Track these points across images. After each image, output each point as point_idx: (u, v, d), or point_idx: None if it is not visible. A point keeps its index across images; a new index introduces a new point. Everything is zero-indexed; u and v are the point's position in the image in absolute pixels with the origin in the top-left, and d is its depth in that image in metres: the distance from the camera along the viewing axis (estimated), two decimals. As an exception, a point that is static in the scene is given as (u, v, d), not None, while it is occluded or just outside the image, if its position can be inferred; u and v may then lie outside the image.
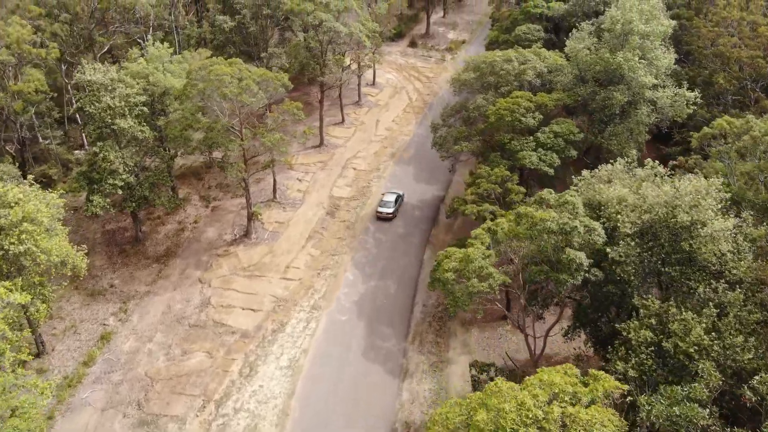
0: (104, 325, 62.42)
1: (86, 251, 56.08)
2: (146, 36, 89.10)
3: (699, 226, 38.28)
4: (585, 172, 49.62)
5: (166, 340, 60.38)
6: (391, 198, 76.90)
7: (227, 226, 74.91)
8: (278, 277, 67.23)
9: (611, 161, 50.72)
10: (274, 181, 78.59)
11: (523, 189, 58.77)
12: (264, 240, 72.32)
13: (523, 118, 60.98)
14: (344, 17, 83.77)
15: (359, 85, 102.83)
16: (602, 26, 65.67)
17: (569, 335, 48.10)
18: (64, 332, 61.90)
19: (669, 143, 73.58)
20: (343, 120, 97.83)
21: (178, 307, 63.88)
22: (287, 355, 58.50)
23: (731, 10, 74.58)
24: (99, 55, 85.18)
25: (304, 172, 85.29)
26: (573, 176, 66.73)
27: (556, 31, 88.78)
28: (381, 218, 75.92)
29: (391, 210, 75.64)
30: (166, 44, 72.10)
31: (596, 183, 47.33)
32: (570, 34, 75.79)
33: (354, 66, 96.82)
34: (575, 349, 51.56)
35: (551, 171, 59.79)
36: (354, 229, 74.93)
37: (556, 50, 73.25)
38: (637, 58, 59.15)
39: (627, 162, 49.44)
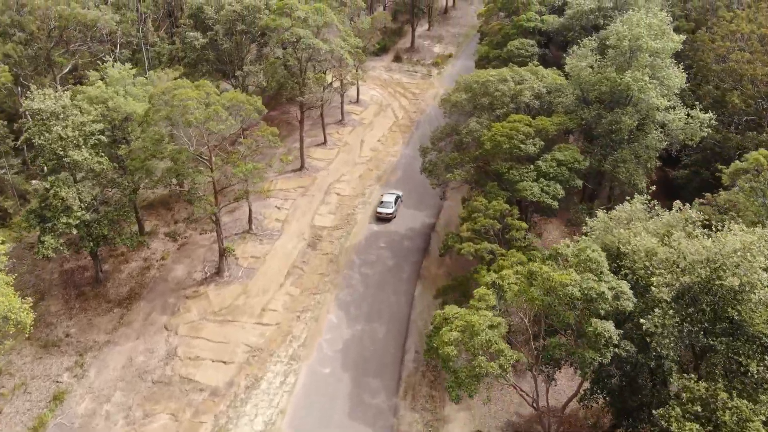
0: (57, 382, 54.16)
1: (31, 303, 47.93)
2: (112, 54, 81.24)
3: (748, 290, 31.14)
4: (600, 214, 42.24)
5: (125, 400, 52.24)
6: (391, 198, 74.55)
7: (197, 262, 66.86)
8: (253, 322, 59.21)
9: (627, 198, 43.44)
10: (250, 210, 70.60)
11: (524, 225, 51.41)
12: (238, 278, 64.35)
13: (522, 145, 53.66)
14: (324, 33, 76.29)
15: (342, 103, 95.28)
16: (606, 42, 58.75)
17: (586, 402, 40.66)
18: (13, 391, 53.67)
19: (677, 166, 66.68)
20: (325, 140, 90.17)
21: (140, 360, 55.74)
22: (262, 416, 50.51)
23: (740, 22, 67.87)
24: (60, 76, 77.01)
25: (283, 199, 77.47)
26: (578, 206, 59.97)
27: (551, 46, 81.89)
28: (381, 218, 73.44)
29: (390, 210, 73.20)
30: (128, 65, 64.12)
31: (615, 227, 40.01)
32: (567, 49, 68.94)
33: (336, 83, 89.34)
34: (591, 417, 44.18)
35: (555, 204, 52.51)
36: (338, 263, 67.17)
37: (554, 68, 66.09)
38: (647, 78, 52.09)
39: (646, 199, 42.20)
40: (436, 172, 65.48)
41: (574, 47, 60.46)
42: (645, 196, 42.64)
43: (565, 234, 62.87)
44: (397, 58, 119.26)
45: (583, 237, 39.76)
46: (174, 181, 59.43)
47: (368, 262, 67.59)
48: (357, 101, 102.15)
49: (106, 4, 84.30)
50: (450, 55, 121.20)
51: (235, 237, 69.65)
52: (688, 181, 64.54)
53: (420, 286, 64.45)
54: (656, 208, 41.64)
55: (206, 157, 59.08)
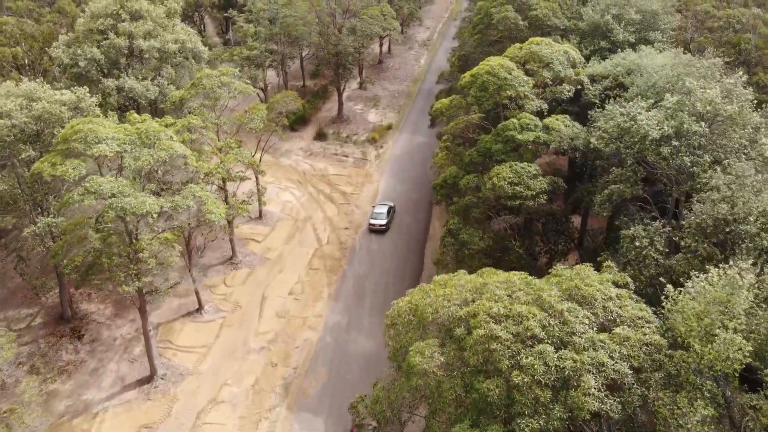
0: None
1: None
2: None
3: None
4: None
5: None
6: (383, 210, 63.45)
7: None
8: None
9: None
10: None
11: None
12: None
13: None
14: (174, 167, 38.77)
15: (231, 233, 57.64)
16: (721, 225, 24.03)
17: None
18: None
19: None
20: (200, 307, 52.29)
21: None
22: None
23: None
24: None
25: (107, 468, 39.60)
26: None
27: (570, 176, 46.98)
28: (373, 230, 62.49)
29: (383, 221, 62.36)
30: None
31: None
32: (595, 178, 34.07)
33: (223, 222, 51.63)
34: None
35: None
36: None
37: (609, 263, 30.42)
38: None
39: None
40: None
41: (690, 280, 24.30)
42: None
43: None
44: (321, 135, 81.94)
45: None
46: None
47: None
48: (260, 217, 64.63)
49: None
50: (390, 127, 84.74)
51: None
52: None
53: None
54: None
55: None
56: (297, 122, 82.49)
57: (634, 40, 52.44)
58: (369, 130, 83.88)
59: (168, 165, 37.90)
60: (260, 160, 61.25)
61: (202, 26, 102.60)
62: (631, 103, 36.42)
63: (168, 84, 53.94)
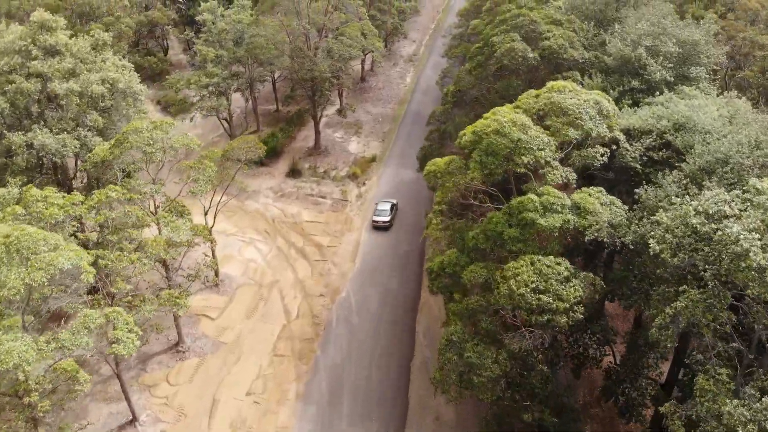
0: None
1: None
2: None
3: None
4: None
5: None
6: (386, 207, 60.52)
7: None
8: None
9: None
10: None
11: None
12: None
13: None
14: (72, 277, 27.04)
15: (176, 315, 45.89)
16: None
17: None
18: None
19: None
20: (134, 418, 40.49)
21: None
22: None
23: None
24: None
25: None
26: None
27: (591, 257, 35.74)
28: (377, 227, 59.91)
29: (387, 218, 59.82)
30: None
31: None
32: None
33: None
34: None
35: None
36: None
37: None
38: None
39: None
40: None
41: None
42: None
43: None
44: (295, 171, 70.18)
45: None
46: None
47: None
48: (216, 285, 52.92)
49: None
50: (373, 159, 73.16)
51: None
52: None
53: None
54: None
55: None
56: (268, 155, 70.51)
57: (671, 79, 41.42)
58: (350, 163, 72.43)
59: (59, 280, 26.28)
60: (215, 216, 49.89)
61: (165, 43, 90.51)
62: (708, 195, 25.30)
63: (93, 135, 42.08)
